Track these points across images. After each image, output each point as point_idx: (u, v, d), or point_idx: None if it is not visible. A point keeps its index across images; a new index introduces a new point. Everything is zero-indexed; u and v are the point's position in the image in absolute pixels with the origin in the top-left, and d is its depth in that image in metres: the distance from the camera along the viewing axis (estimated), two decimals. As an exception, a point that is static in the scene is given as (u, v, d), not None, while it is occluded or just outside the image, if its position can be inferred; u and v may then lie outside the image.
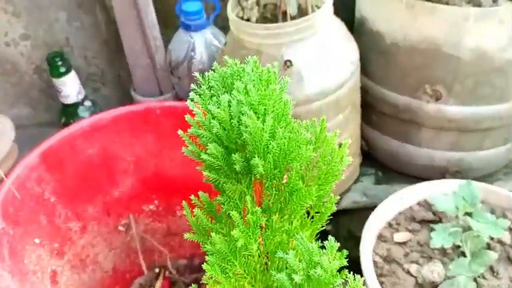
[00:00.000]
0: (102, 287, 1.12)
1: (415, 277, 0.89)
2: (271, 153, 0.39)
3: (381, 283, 0.89)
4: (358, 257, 0.92)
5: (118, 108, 1.05)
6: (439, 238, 0.84)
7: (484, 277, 0.88)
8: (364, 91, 1.12)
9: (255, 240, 0.41)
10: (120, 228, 1.17)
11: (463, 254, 0.89)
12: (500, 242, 0.93)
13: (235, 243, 0.40)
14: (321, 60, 0.95)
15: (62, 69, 1.26)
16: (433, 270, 0.88)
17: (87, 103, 1.32)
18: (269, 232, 0.43)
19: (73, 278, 1.04)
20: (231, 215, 0.39)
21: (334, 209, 0.49)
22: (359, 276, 0.42)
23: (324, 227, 0.50)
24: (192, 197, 0.45)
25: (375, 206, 1.00)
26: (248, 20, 0.96)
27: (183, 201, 0.44)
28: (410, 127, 1.11)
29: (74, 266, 1.06)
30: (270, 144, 0.38)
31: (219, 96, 0.39)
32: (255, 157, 0.38)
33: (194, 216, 0.44)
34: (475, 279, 0.87)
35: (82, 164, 1.04)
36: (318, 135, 0.45)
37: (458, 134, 1.08)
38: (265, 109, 0.38)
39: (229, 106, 0.38)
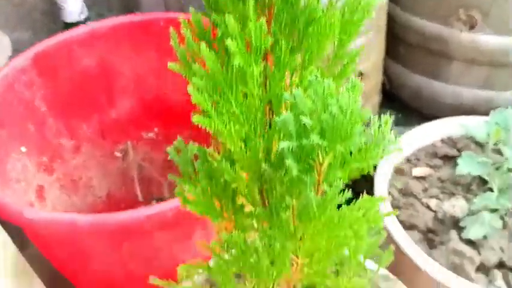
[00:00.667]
0: (93, 212, 1.05)
1: (435, 211, 0.81)
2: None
3: (396, 215, 0.80)
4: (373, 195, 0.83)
5: (119, 16, 0.96)
6: (466, 165, 0.75)
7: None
8: (392, 20, 1.02)
9: (257, 65, 0.32)
10: (117, 154, 1.09)
11: (490, 191, 0.80)
12: (532, 181, 0.83)
13: (231, 64, 0.31)
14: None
15: (65, -16, 1.17)
16: (455, 205, 0.79)
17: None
18: (275, 70, 0.34)
19: (62, 197, 0.97)
20: (226, 22, 0.30)
21: (357, 67, 0.40)
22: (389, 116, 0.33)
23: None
24: (181, 18, 0.36)
25: (393, 146, 0.91)
26: None
27: (170, 27, 0.35)
28: (439, 60, 1.01)
29: (64, 186, 0.98)
30: None
31: None
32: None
33: (181, 42, 0.35)
34: (501, 217, 0.78)
35: (78, 74, 0.95)
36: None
37: (489, 69, 0.97)
38: None
39: None
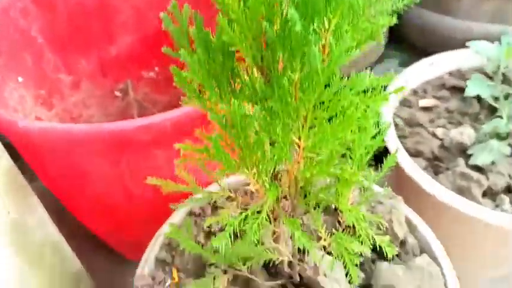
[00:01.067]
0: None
1: (441, 139, 0.79)
2: None
3: (402, 143, 0.78)
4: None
5: None
6: (475, 87, 0.72)
7: (520, 143, 0.77)
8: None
9: None
10: (117, 93, 1.08)
11: (499, 118, 0.77)
12: (542, 109, 0.81)
13: None
14: None
15: None
16: (463, 132, 0.77)
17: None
18: None
19: (62, 134, 0.95)
20: None
21: None
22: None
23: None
24: None
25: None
26: None
27: None
28: (449, -7, 0.97)
29: (64, 122, 0.96)
30: None
31: None
32: None
33: None
34: (509, 144, 0.75)
35: (75, 7, 0.92)
36: None
37: (500, 1, 0.94)
38: None
39: None
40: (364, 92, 0.40)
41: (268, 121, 0.37)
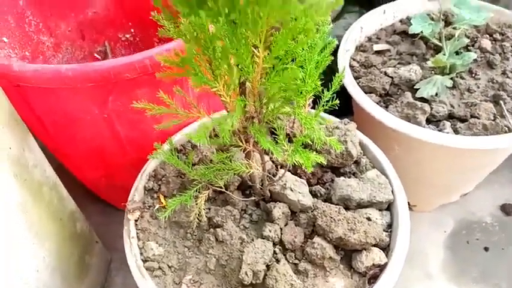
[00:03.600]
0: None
1: (392, 77, 0.88)
2: None
3: (358, 82, 0.87)
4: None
5: None
6: (418, 24, 0.82)
7: (461, 77, 0.87)
8: None
9: None
10: (96, 55, 1.14)
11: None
12: (480, 48, 0.91)
13: None
14: None
15: None
16: (410, 69, 0.87)
17: None
18: None
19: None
20: None
21: None
22: None
23: None
24: None
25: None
26: None
27: None
28: None
29: (48, 82, 1.03)
30: None
31: None
32: None
33: None
34: (452, 78, 0.86)
35: (53, -30, 0.99)
36: None
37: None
38: None
39: None
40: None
41: (230, 31, 0.46)
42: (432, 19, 0.94)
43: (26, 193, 0.68)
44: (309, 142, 0.55)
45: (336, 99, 0.57)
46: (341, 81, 0.58)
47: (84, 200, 0.98)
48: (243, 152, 0.63)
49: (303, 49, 0.53)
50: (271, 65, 0.49)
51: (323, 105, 0.58)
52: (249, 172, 0.62)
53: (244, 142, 0.61)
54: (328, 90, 0.58)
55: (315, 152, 0.57)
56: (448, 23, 0.94)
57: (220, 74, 0.49)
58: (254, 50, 0.48)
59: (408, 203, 0.68)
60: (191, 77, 0.49)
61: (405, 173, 0.75)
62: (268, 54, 0.48)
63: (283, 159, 0.56)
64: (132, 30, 1.16)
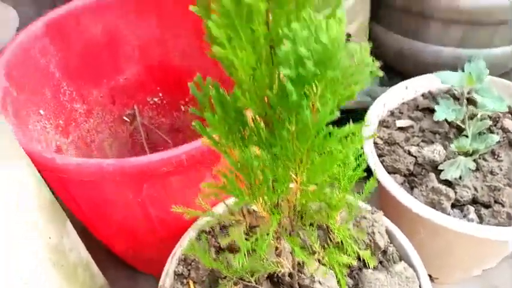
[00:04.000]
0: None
1: (415, 157, 0.90)
2: None
3: (382, 161, 0.89)
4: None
5: (124, -14, 1.03)
6: (442, 112, 0.84)
7: (484, 159, 0.89)
8: (375, -15, 1.10)
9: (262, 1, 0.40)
10: (125, 118, 1.18)
11: (465, 137, 0.89)
12: (502, 128, 0.93)
13: (242, 2, 0.39)
14: None
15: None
16: (434, 150, 0.89)
17: None
18: (277, 8, 0.43)
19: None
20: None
21: None
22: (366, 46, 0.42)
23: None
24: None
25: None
26: None
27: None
28: (420, 21, 1.09)
29: (79, 148, 1.07)
30: None
31: None
32: None
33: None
34: (475, 160, 0.87)
35: (87, 42, 1.03)
36: None
37: (468, 27, 1.06)
38: None
39: None
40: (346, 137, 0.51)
41: (272, 163, 0.48)
42: (454, 96, 0.96)
43: (63, 277, 0.71)
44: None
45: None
46: (375, 185, 0.61)
47: (110, 264, 1.00)
48: (275, 249, 0.65)
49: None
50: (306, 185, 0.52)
51: (354, 213, 0.60)
52: (280, 271, 0.64)
53: (275, 240, 0.63)
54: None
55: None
56: (470, 100, 0.96)
57: (260, 194, 0.52)
58: (292, 174, 0.50)
59: (430, 275, 0.70)
60: (234, 199, 0.51)
61: (430, 254, 0.76)
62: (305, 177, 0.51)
63: (315, 268, 0.58)
64: (160, 94, 1.19)
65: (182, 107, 1.22)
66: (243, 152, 0.47)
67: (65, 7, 0.98)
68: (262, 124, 0.49)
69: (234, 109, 0.49)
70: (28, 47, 0.92)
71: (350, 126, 0.51)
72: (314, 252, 0.62)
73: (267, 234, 0.52)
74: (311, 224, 0.61)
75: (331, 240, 0.69)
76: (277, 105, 0.45)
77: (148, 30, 1.08)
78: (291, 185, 0.53)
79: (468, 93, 0.87)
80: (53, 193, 0.78)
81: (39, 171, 0.72)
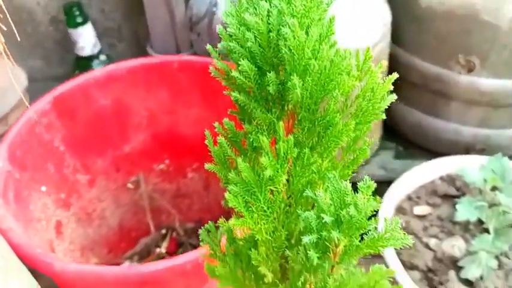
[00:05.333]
0: (107, 242, 1.10)
1: (434, 251, 0.85)
2: (311, 75, 0.35)
3: (398, 254, 0.85)
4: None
5: (134, 59, 1.01)
6: (465, 211, 0.80)
7: (507, 256, 0.84)
8: (394, 59, 1.07)
9: (283, 172, 0.36)
10: (129, 185, 1.14)
11: (486, 231, 0.85)
12: (527, 222, 0.88)
13: (262, 173, 0.35)
14: (353, 19, 0.90)
15: (79, 20, 1.22)
16: (454, 245, 0.84)
17: (103, 57, 1.28)
18: (298, 168, 0.39)
19: (78, 231, 1.02)
20: (260, 140, 0.35)
21: (368, 155, 0.45)
22: (397, 218, 0.37)
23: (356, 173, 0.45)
24: (216, 124, 0.40)
25: (393, 181, 0.96)
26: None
27: (205, 130, 0.40)
28: (440, 99, 1.05)
29: (80, 219, 1.03)
30: (311, 64, 0.34)
31: (256, 7, 0.34)
32: (292, 77, 0.34)
33: (216, 145, 0.40)
34: (497, 257, 0.82)
35: (94, 114, 1.00)
36: (361, 65, 0.40)
37: (488, 109, 1.02)
38: (309, 23, 0.34)
39: (268, 16, 0.33)
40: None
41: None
42: (482, 187, 0.91)
43: None
44: None
45: None
46: None
47: None
48: None
49: None
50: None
51: None
52: None
53: None
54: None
55: None
56: (494, 187, 0.92)
57: None
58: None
59: None
60: None
61: None
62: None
63: None
64: (167, 161, 1.16)
65: (188, 173, 1.18)
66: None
67: (74, 81, 0.95)
68: (278, 274, 0.45)
69: (247, 261, 0.45)
70: (34, 123, 0.89)
71: (374, 269, 0.46)
72: None
73: None
74: None
75: None
76: (295, 262, 0.41)
77: (157, 101, 1.05)
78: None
79: (492, 189, 0.82)
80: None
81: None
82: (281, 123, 0.35)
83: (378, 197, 0.39)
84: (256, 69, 0.35)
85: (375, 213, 0.40)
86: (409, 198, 0.96)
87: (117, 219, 1.14)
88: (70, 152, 0.98)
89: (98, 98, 0.98)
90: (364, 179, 0.39)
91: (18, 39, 0.67)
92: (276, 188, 0.38)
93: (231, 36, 0.35)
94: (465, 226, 0.89)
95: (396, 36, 1.05)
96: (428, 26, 0.99)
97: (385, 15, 0.95)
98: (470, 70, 0.98)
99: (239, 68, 0.35)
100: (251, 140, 0.38)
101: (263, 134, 0.38)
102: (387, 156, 1.18)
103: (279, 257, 0.43)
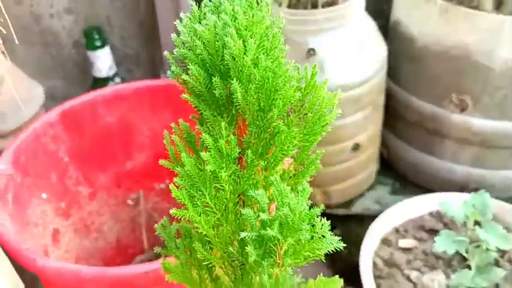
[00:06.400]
0: (103, 256, 1.13)
1: (414, 283, 0.86)
2: (254, 83, 0.38)
3: (378, 285, 0.85)
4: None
5: (141, 81, 1.07)
6: (442, 243, 0.80)
7: (488, 294, 0.84)
8: (391, 97, 1.10)
9: (226, 169, 0.40)
10: (129, 202, 1.18)
11: (469, 268, 0.85)
12: (510, 260, 0.88)
13: (204, 168, 0.39)
14: (346, 54, 0.94)
15: (98, 43, 1.30)
16: (434, 279, 0.84)
17: (117, 79, 1.36)
18: (245, 171, 0.42)
19: (75, 241, 1.05)
20: (203, 137, 0.38)
21: (319, 167, 0.48)
22: (327, 221, 0.40)
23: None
24: (173, 124, 0.44)
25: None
26: (280, 4, 0.97)
27: (164, 130, 0.44)
28: (434, 138, 1.07)
29: (78, 230, 1.07)
30: (252, 72, 0.38)
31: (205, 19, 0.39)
32: (232, 82, 0.38)
33: (172, 144, 0.43)
34: (478, 295, 0.82)
35: (100, 130, 1.05)
36: (307, 81, 0.44)
37: (482, 149, 1.04)
38: (251, 35, 0.38)
39: (215, 28, 0.38)
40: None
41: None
42: (464, 221, 0.92)
43: None
44: None
45: None
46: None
47: None
48: None
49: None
50: None
51: None
52: None
53: None
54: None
55: None
56: (477, 222, 0.92)
57: None
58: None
59: None
60: None
61: None
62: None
63: None
64: (167, 181, 1.20)
65: (189, 195, 1.21)
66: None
67: (82, 97, 1.01)
68: (228, 270, 0.48)
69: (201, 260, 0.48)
70: (40, 133, 0.94)
71: (321, 279, 0.48)
72: None
73: None
74: None
75: None
76: (240, 261, 0.44)
77: (161, 122, 1.10)
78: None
79: (475, 224, 0.83)
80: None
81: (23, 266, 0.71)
82: (223, 123, 0.39)
83: (316, 208, 0.42)
84: (205, 74, 0.39)
85: (315, 218, 0.43)
86: (396, 230, 0.97)
87: (115, 234, 1.17)
88: (74, 164, 1.03)
89: (104, 115, 1.04)
90: (303, 184, 0.42)
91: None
92: (221, 186, 0.42)
93: (183, 43, 0.39)
94: (448, 262, 0.90)
95: (394, 74, 1.09)
96: (424, 65, 1.02)
97: (380, 53, 0.99)
98: (463, 110, 1.00)
99: (189, 72, 0.39)
100: (202, 140, 0.42)
101: (210, 134, 0.42)
102: (383, 191, 1.19)
103: (226, 255, 0.46)
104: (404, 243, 0.93)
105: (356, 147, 1.04)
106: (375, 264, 0.89)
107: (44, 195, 0.96)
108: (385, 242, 0.94)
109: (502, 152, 1.03)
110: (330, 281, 0.48)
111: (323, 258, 0.47)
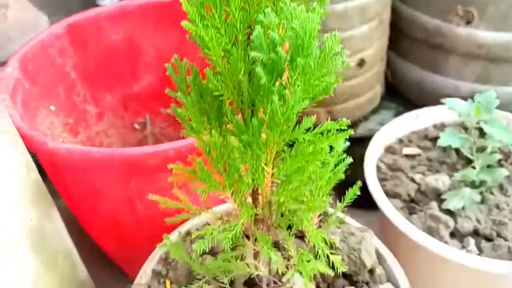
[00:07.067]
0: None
1: (419, 184, 0.87)
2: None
3: (382, 186, 0.87)
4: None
5: (145, -3, 1.07)
6: (447, 138, 0.81)
7: (491, 192, 0.85)
8: (395, 14, 1.10)
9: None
10: (136, 126, 1.19)
11: (473, 169, 0.86)
12: (514, 163, 0.89)
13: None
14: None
15: (102, -28, 1.29)
16: (438, 179, 0.85)
17: (122, 10, 1.35)
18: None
19: (83, 159, 1.07)
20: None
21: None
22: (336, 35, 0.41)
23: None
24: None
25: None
26: None
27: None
28: (439, 54, 1.07)
29: (86, 148, 1.08)
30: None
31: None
32: None
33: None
34: (481, 193, 0.83)
35: (105, 47, 1.06)
36: None
37: (486, 63, 1.04)
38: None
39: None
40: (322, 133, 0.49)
41: (242, 151, 0.47)
42: (466, 129, 0.93)
43: (40, 263, 0.70)
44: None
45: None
46: (355, 194, 0.58)
47: (102, 265, 0.99)
48: (253, 253, 0.63)
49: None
50: (280, 180, 0.50)
51: (332, 220, 0.58)
52: (254, 274, 0.61)
53: (253, 242, 0.61)
54: (350, 185, 0.59)
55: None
56: (482, 133, 0.93)
57: (230, 183, 0.51)
58: (264, 166, 0.49)
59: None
60: (200, 185, 0.50)
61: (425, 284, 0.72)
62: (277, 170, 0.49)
63: (284, 270, 0.55)
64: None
65: (194, 121, 1.23)
66: (213, 136, 0.47)
67: (87, 12, 1.01)
68: (236, 111, 0.48)
69: (209, 94, 0.49)
70: (47, 45, 0.95)
71: (327, 123, 0.49)
72: (290, 258, 0.60)
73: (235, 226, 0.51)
74: (289, 227, 0.59)
75: (306, 245, 0.67)
76: (248, 89, 0.45)
77: (166, 41, 1.10)
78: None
79: (477, 123, 0.84)
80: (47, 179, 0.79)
81: (33, 154, 0.73)
82: None
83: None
84: None
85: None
86: (400, 141, 0.98)
87: (123, 157, 1.19)
88: (81, 80, 1.04)
89: (109, 32, 1.04)
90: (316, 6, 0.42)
91: None
92: (232, 11, 0.42)
93: None
94: (452, 166, 0.91)
95: (400, -9, 1.08)
96: (430, -23, 1.01)
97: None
98: (468, 22, 1.00)
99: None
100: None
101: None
102: (387, 115, 1.20)
103: (235, 88, 0.47)
104: (408, 150, 0.95)
105: (361, 62, 1.04)
106: (379, 168, 0.91)
107: (52, 108, 0.97)
108: (389, 149, 0.95)
109: (506, 66, 1.03)
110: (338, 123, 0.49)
111: (331, 93, 0.48)
